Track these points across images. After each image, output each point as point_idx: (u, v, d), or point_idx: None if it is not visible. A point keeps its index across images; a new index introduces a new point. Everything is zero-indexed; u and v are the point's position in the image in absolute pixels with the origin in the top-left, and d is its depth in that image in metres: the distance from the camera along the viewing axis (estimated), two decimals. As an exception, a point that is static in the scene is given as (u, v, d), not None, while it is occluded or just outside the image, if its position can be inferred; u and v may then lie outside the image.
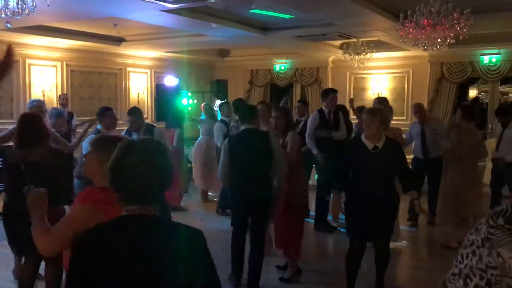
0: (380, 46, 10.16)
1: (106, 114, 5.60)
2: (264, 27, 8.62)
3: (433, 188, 6.81)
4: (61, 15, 7.13)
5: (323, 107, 6.96)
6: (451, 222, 5.86)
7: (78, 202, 2.20)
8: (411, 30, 5.93)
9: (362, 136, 4.18)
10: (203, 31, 8.53)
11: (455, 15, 5.74)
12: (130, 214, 1.60)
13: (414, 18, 5.95)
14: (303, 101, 8.52)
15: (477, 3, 6.21)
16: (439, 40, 6.02)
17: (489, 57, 10.56)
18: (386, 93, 12.05)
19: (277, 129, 5.00)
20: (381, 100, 7.14)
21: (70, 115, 8.71)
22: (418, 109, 7.20)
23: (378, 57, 10.77)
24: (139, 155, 1.61)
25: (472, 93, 14.10)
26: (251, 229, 4.50)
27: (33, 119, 3.96)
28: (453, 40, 6.03)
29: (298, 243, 4.93)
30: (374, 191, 4.06)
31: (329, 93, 6.97)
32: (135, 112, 6.10)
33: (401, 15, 6.06)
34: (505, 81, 11.68)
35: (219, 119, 8.00)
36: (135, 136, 5.50)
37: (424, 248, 6.43)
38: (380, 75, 12.16)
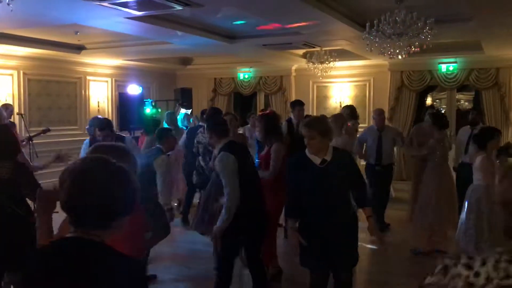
0: (342, 55, 10.31)
1: (167, 137, 5.11)
2: (230, 35, 8.59)
3: (383, 194, 6.98)
4: (21, 22, 6.87)
5: (292, 117, 6.99)
6: (424, 227, 5.93)
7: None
8: (376, 39, 6.03)
9: (307, 151, 3.56)
10: (168, 39, 8.41)
11: (419, 24, 5.88)
12: (68, 237, 1.53)
13: (380, 27, 6.06)
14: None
15: (435, 13, 6.39)
16: (405, 48, 6.16)
17: (447, 66, 10.94)
18: (348, 101, 12.24)
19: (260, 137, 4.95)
20: (349, 109, 7.24)
21: (12, 126, 8.37)
22: (379, 114, 7.21)
23: (340, 66, 10.93)
24: (83, 177, 1.51)
25: (428, 101, 14.56)
26: (249, 251, 4.18)
27: (3, 129, 3.76)
28: (418, 49, 6.19)
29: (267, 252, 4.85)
30: (328, 214, 3.49)
31: (295, 106, 7.01)
32: (109, 126, 5.43)
33: (367, 24, 6.16)
34: (458, 89, 12.06)
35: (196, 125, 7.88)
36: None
37: (394, 253, 6.48)
38: (342, 83, 12.36)
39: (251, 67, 13.06)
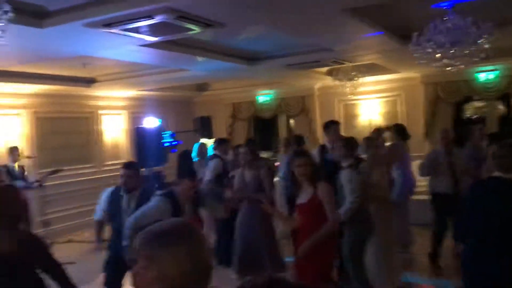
0: (370, 69, 9.54)
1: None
2: (252, 57, 7.86)
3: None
4: (24, 58, 6.24)
5: (326, 142, 6.13)
6: None
7: None
8: (429, 49, 5.22)
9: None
10: (186, 65, 7.71)
11: (476, 29, 5.07)
12: None
13: (429, 36, 5.26)
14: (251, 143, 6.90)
15: (491, 16, 5.59)
16: (463, 58, 5.34)
17: (486, 74, 10.07)
18: (379, 118, 11.44)
19: (305, 178, 4.01)
20: (399, 129, 6.42)
21: (22, 170, 7.71)
22: (445, 135, 6.28)
23: (367, 81, 10.14)
24: None
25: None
26: None
27: (4, 192, 3.04)
28: (477, 58, 5.36)
29: None
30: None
31: (330, 125, 6.10)
32: (135, 165, 4.72)
33: (414, 34, 5.36)
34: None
35: None
36: (125, 198, 4.45)
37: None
38: (370, 100, 11.54)
39: (271, 89, 12.32)
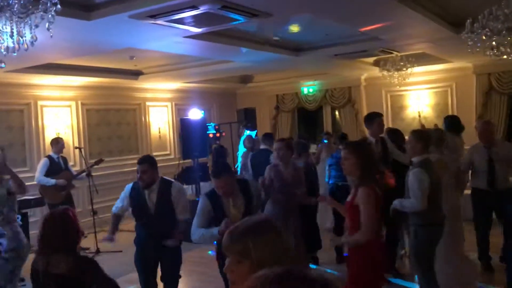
0: (419, 59, 9.20)
1: None
2: (297, 48, 7.74)
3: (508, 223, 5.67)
4: (72, 51, 6.35)
5: (368, 135, 5.86)
6: None
7: None
8: (483, 37, 4.96)
9: None
10: (230, 57, 7.68)
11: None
12: None
13: (484, 23, 4.99)
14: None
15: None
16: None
17: (545, 63, 9.51)
18: (428, 110, 11.07)
19: (352, 174, 3.53)
20: (451, 121, 6.15)
21: (64, 161, 7.81)
22: (484, 127, 5.85)
23: (416, 72, 9.79)
24: None
25: None
26: None
27: (61, 218, 3.14)
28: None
29: None
30: None
31: (374, 118, 5.72)
32: (149, 160, 4.40)
33: (468, 21, 5.10)
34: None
35: None
36: (145, 193, 4.28)
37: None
38: (419, 90, 11.15)
39: (315, 80, 12.14)
